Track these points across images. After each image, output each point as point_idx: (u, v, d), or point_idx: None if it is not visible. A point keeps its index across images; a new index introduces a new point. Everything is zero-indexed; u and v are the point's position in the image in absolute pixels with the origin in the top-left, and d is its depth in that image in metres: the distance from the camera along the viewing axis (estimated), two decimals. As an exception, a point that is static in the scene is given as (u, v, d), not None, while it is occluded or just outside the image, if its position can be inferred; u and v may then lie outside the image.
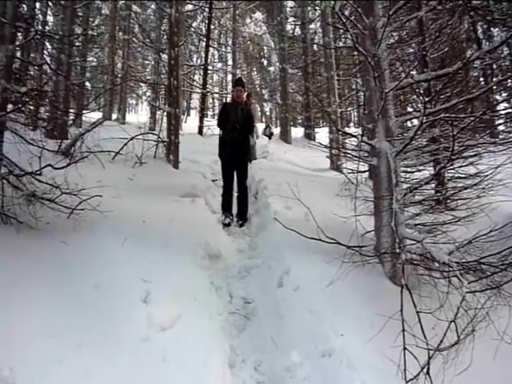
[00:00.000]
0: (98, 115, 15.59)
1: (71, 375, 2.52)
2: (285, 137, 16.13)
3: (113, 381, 2.60)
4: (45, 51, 11.47)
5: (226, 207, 6.67)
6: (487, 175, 4.77)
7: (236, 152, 6.64)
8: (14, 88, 4.42)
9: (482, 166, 5.28)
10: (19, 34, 5.50)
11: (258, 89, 29.83)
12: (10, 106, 4.54)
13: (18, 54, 5.84)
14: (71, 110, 7.98)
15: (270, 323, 3.77)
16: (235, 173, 6.75)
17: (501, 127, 8.72)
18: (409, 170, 5.54)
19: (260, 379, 3.22)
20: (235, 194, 6.89)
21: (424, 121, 4.17)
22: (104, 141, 7.32)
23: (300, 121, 25.53)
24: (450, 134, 4.91)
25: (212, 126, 15.26)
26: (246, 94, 8.12)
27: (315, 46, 20.48)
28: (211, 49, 20.64)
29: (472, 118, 4.38)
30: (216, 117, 11.14)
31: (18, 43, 5.19)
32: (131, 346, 2.89)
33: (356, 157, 5.42)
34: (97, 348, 2.77)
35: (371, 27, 4.86)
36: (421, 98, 7.33)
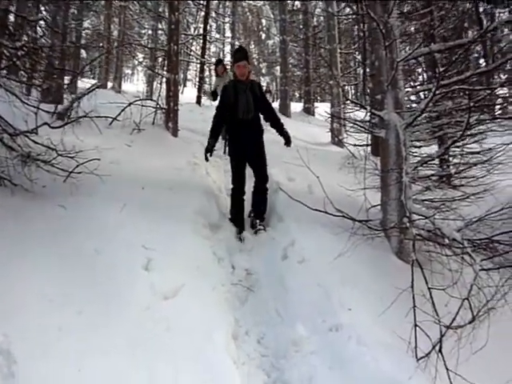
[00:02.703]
0: (93, 82, 15.30)
1: (70, 343, 2.40)
2: (284, 110, 15.83)
3: (114, 349, 2.48)
4: (39, 14, 11.09)
5: (235, 218, 5.07)
6: (499, 151, 4.66)
7: (251, 147, 5.05)
8: (9, 43, 4.20)
9: (486, 144, 5.18)
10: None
11: (256, 63, 29.36)
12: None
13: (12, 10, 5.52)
14: (66, 69, 7.69)
15: (273, 295, 3.68)
16: (251, 163, 5.15)
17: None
18: (417, 144, 5.41)
19: (264, 352, 3.13)
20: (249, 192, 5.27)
21: (437, 93, 4.03)
22: (101, 107, 7.09)
23: (298, 96, 25.24)
24: (462, 108, 4.81)
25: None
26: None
27: (316, 20, 20.12)
28: (209, 19, 20.18)
29: (488, 91, 4.24)
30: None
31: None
32: (133, 314, 2.78)
33: (363, 128, 5.28)
34: (97, 315, 2.65)
35: (382, -7, 4.66)
36: (428, 72, 7.20)
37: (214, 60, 26.45)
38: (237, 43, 24.41)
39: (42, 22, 7.05)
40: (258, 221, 5.01)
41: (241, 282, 3.89)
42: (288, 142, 5.16)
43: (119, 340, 2.54)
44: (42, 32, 7.23)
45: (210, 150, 4.98)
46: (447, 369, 2.58)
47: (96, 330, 2.53)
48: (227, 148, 5.30)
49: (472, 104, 3.83)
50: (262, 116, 5.15)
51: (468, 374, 2.47)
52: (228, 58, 26.06)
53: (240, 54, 5.12)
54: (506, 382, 2.41)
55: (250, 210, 5.23)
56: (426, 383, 2.59)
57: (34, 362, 2.23)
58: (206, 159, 5.05)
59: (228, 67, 10.29)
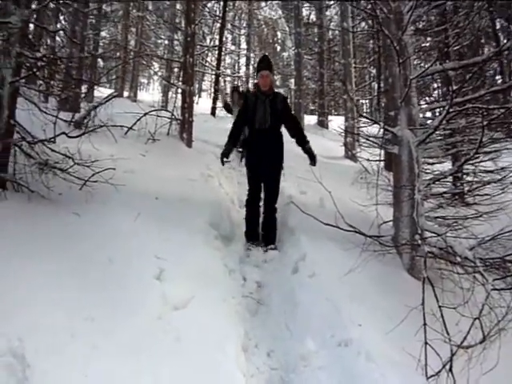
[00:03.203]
0: (109, 92, 15.54)
1: (82, 349, 2.43)
2: (298, 123, 15.85)
3: (124, 357, 2.50)
4: (58, 23, 11.35)
5: (249, 228, 5.01)
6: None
7: (266, 159, 4.91)
8: (29, 53, 4.30)
9: (501, 162, 5.17)
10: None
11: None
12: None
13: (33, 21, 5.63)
14: (84, 79, 7.83)
15: (283, 309, 3.68)
16: (264, 176, 5.02)
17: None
18: (430, 161, 5.42)
19: (273, 365, 3.13)
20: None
21: (450, 110, 4.05)
22: (117, 115, 7.21)
23: (312, 108, 25.31)
24: (476, 126, 4.81)
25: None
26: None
27: (331, 33, 20.24)
28: (225, 31, 20.41)
29: (502, 110, 4.24)
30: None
31: (33, 8, 5.04)
32: (144, 323, 2.79)
33: (376, 144, 5.30)
34: (108, 323, 2.67)
35: (397, 11, 4.71)
36: (443, 88, 7.21)
37: (229, 71, 26.73)
38: (252, 55, 24.63)
39: (61, 32, 7.24)
40: (268, 247, 4.83)
41: (251, 295, 3.91)
42: (313, 161, 4.98)
43: (128, 348, 2.55)
44: (61, 41, 7.42)
45: (225, 154, 4.95)
46: (457, 389, 2.58)
47: (105, 337, 2.55)
48: (243, 158, 5.18)
49: (486, 122, 3.83)
50: (288, 131, 5.00)
51: (478, 394, 2.47)
52: (243, 70, 26.31)
53: (264, 64, 4.98)
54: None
55: (261, 236, 5.02)
56: (434, 402, 2.59)
57: (44, 366, 2.25)
58: (222, 163, 5.04)
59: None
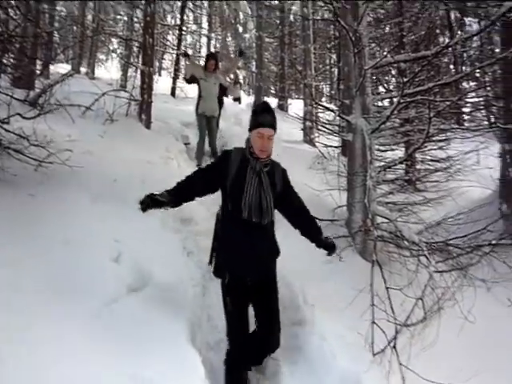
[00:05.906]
0: (66, 67, 15.07)
1: (41, 334, 2.42)
2: (258, 106, 15.86)
3: (84, 344, 2.48)
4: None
5: None
6: (457, 160, 4.90)
7: (258, 272, 2.93)
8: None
9: (450, 151, 5.42)
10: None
11: (233, 55, 29.27)
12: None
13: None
14: (39, 58, 7.58)
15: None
16: (256, 305, 2.94)
17: (467, 115, 9.06)
18: (382, 148, 5.62)
19: (229, 344, 3.23)
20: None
21: (401, 101, 4.23)
22: (74, 94, 7.03)
23: (273, 91, 25.33)
24: (424, 116, 5.03)
25: (186, 88, 14.82)
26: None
27: (292, 17, 20.24)
28: (186, 10, 20.06)
29: (448, 103, 4.46)
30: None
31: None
32: (101, 307, 2.81)
33: (332, 131, 5.45)
34: (66, 307, 2.68)
35: (353, 2, 4.82)
36: (398, 78, 7.42)
37: (190, 51, 26.30)
38: (213, 35, 24.37)
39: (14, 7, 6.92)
40: None
41: (209, 275, 3.97)
42: (332, 251, 3.19)
43: (88, 334, 2.55)
44: (15, 14, 7.10)
45: (150, 199, 3.12)
46: (400, 363, 2.78)
47: (63, 322, 2.55)
48: (214, 263, 3.04)
49: (432, 114, 4.00)
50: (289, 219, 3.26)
51: (418, 368, 2.68)
52: (204, 50, 25.99)
53: (267, 117, 2.87)
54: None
55: None
56: (380, 376, 2.78)
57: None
58: (143, 210, 3.11)
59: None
